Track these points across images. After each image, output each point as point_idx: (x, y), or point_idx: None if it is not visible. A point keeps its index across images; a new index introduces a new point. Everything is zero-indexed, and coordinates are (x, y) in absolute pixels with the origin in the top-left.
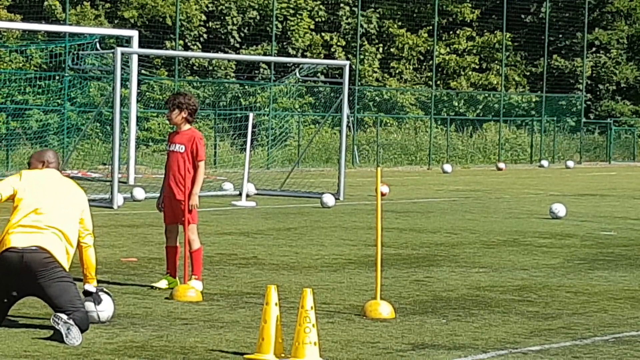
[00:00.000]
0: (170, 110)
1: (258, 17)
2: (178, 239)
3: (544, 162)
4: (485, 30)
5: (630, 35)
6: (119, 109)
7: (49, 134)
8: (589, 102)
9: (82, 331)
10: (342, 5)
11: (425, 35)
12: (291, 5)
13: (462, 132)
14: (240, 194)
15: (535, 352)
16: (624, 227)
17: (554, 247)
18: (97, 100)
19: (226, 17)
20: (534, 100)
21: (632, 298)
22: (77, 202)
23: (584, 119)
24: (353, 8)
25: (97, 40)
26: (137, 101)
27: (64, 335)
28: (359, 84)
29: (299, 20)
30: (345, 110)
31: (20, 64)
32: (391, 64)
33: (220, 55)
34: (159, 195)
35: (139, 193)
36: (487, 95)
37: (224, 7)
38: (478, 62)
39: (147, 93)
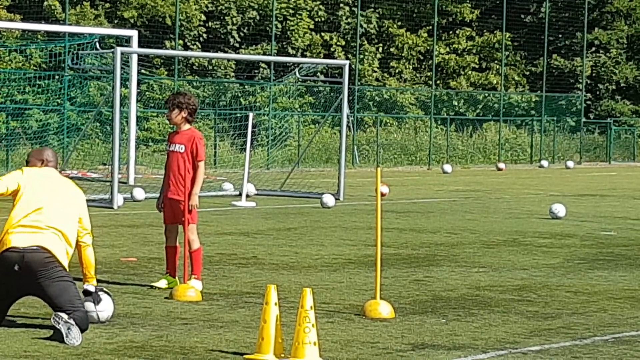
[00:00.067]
0: (170, 110)
1: (258, 17)
2: (178, 239)
3: (544, 162)
4: (485, 30)
5: (630, 35)
6: (118, 109)
7: (49, 133)
8: (588, 102)
9: (82, 331)
10: (341, 5)
11: (425, 35)
12: (291, 5)
13: (462, 132)
14: (240, 194)
15: (535, 352)
16: (624, 227)
17: (554, 247)
18: (97, 100)
19: (226, 17)
20: (533, 100)
21: (632, 298)
22: (76, 202)
23: (583, 119)
24: (353, 8)
25: (96, 40)
26: (137, 101)
27: (64, 335)
28: (359, 83)
29: (298, 20)
30: (345, 110)
31: (20, 64)
32: (391, 64)
33: (220, 55)
34: (159, 195)
35: (139, 193)
36: (487, 95)
37: (223, 7)
38: (478, 62)
39: (147, 93)
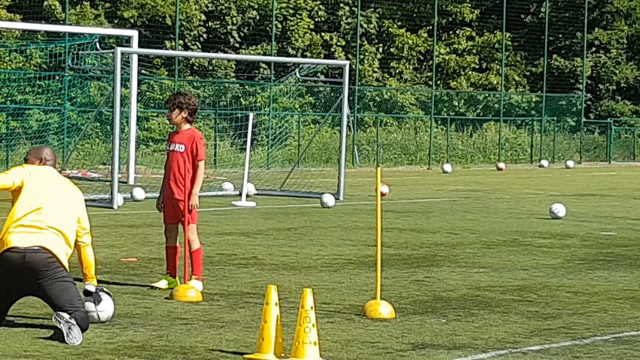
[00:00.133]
0: (171, 110)
1: (258, 17)
2: (178, 239)
3: (544, 162)
4: (485, 30)
5: (630, 35)
6: (119, 109)
7: (49, 133)
8: (589, 102)
9: (82, 331)
10: (341, 5)
11: (425, 35)
12: (291, 5)
13: (462, 132)
14: (240, 194)
15: (535, 352)
16: (624, 227)
17: (554, 247)
18: (97, 100)
19: (226, 17)
20: (534, 100)
21: (632, 298)
22: (75, 202)
23: (584, 119)
24: (353, 8)
25: (97, 40)
26: (137, 101)
27: (65, 335)
28: (359, 83)
29: (298, 20)
30: (345, 110)
31: (20, 64)
32: (391, 64)
33: (220, 55)
34: (159, 195)
35: (139, 193)
36: (487, 95)
37: (223, 7)
38: (478, 62)
39: (147, 93)
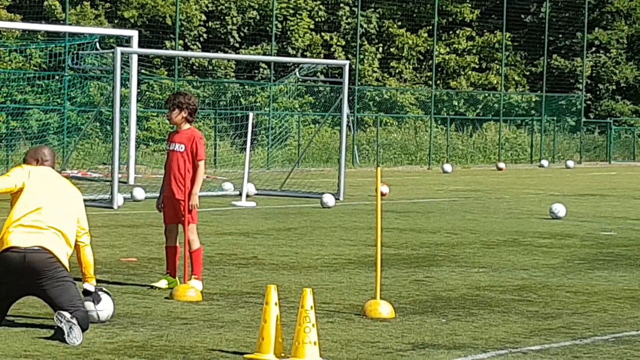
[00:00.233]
0: (170, 110)
1: (258, 17)
2: (178, 239)
3: (544, 162)
4: (485, 30)
5: (630, 35)
6: (118, 109)
7: (49, 133)
8: (588, 102)
9: (82, 330)
10: (342, 5)
11: (425, 35)
12: (291, 5)
13: (462, 131)
14: (240, 194)
15: (535, 351)
16: (624, 227)
17: (554, 247)
18: (97, 100)
19: (226, 17)
20: (533, 100)
21: (632, 298)
22: (75, 202)
23: (584, 119)
24: (353, 8)
25: (97, 40)
26: (137, 101)
27: (66, 334)
28: (359, 83)
29: (298, 20)
30: (345, 110)
31: (20, 64)
32: (391, 64)
33: (220, 55)
34: (159, 195)
35: (139, 193)
36: (487, 95)
37: (223, 7)
38: (478, 62)
39: (147, 93)
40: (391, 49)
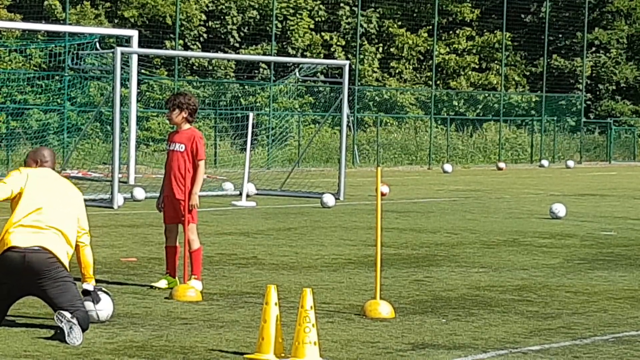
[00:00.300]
0: (171, 110)
1: (258, 17)
2: (178, 239)
3: (544, 162)
4: (485, 30)
5: (630, 35)
6: (118, 109)
7: (49, 133)
8: (589, 102)
9: (82, 330)
10: (342, 5)
11: (425, 35)
12: (291, 5)
13: (462, 131)
14: (240, 194)
15: (535, 351)
16: (624, 227)
17: (554, 247)
18: (97, 100)
19: (226, 17)
20: (533, 100)
21: (632, 298)
22: (75, 202)
23: (584, 119)
24: (353, 8)
25: (97, 39)
26: (137, 101)
27: (66, 334)
28: (359, 83)
29: (298, 20)
30: (345, 110)
31: (20, 64)
32: (391, 64)
33: (220, 55)
34: (159, 195)
35: (139, 193)
36: (487, 95)
37: (223, 7)
38: (478, 62)
39: (147, 93)
40: (391, 49)
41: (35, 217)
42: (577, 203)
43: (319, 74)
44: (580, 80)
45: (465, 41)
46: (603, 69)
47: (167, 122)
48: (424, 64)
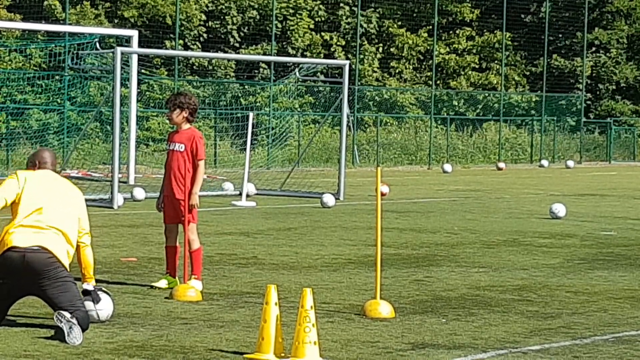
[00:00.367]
0: (172, 110)
1: (258, 17)
2: (178, 239)
3: (544, 162)
4: (485, 30)
5: (630, 35)
6: (118, 109)
7: (49, 133)
8: (588, 102)
9: (82, 330)
10: (341, 5)
11: (425, 34)
12: (291, 5)
13: (462, 131)
14: (240, 194)
15: (535, 351)
16: (624, 227)
17: (554, 247)
18: (97, 100)
19: (226, 17)
20: (534, 99)
21: (632, 298)
22: (75, 202)
23: (584, 119)
24: (353, 8)
25: (96, 39)
26: (137, 101)
27: (66, 334)
28: (359, 83)
29: (298, 20)
30: (345, 110)
31: (20, 64)
32: (391, 64)
33: (220, 55)
34: (159, 195)
35: (139, 193)
36: (487, 94)
37: (223, 7)
38: (478, 62)
39: (147, 92)
40: (391, 49)
41: (36, 217)
42: (577, 203)
43: (319, 73)
44: (580, 80)
45: (465, 41)
46: (603, 69)
47: (167, 122)
48: (424, 63)
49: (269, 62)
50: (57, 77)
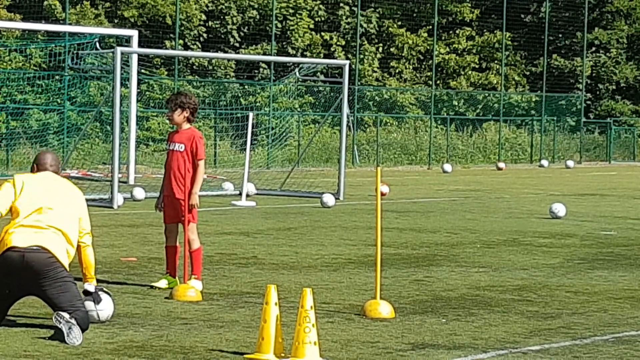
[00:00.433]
0: (172, 110)
1: (258, 17)
2: (178, 239)
3: (544, 162)
4: (485, 30)
5: (630, 35)
6: (118, 109)
7: (49, 133)
8: (588, 102)
9: (82, 331)
10: (341, 4)
11: (425, 34)
12: (291, 5)
13: (462, 131)
14: (240, 194)
15: (535, 351)
16: (624, 227)
17: (554, 247)
18: (97, 100)
19: (226, 17)
20: (533, 99)
21: (632, 298)
22: (76, 202)
23: (583, 119)
24: (353, 8)
25: (96, 39)
26: (137, 101)
27: (65, 335)
28: (359, 83)
29: (298, 19)
30: (345, 109)
31: (20, 64)
32: (391, 64)
33: (220, 55)
34: (158, 195)
35: (139, 193)
36: (487, 94)
37: (223, 7)
38: (478, 62)
39: (147, 92)
40: (391, 49)
41: (36, 217)
42: (577, 203)
43: (319, 73)
44: (580, 80)
45: (465, 41)
46: (603, 69)
47: (168, 122)
48: (424, 63)
49: (269, 62)
50: (57, 77)
